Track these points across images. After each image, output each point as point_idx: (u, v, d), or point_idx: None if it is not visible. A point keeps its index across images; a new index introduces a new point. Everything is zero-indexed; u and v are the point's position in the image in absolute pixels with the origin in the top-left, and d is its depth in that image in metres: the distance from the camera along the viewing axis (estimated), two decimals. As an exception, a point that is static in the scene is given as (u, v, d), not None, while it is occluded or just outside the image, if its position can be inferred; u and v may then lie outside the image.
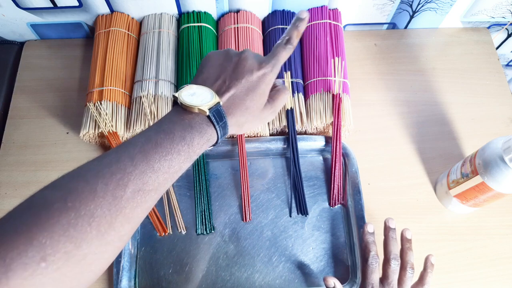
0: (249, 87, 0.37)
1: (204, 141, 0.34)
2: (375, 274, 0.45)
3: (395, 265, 0.45)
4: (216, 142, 0.36)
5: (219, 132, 0.35)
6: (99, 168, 0.29)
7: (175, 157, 0.32)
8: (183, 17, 0.66)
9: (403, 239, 0.48)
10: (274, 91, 0.41)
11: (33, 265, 0.23)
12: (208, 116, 0.34)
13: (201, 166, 0.57)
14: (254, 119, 0.39)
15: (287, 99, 0.42)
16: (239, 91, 0.37)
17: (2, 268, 0.23)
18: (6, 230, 0.25)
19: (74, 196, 0.27)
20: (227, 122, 0.36)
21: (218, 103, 0.35)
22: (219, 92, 0.36)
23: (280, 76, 0.61)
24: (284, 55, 0.39)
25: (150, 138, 0.32)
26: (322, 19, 0.65)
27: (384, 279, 0.45)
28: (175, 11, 0.66)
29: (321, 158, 0.61)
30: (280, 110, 0.59)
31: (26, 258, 0.23)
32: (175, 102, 0.36)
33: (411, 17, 0.69)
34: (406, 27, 0.73)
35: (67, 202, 0.27)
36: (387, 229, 0.48)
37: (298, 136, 0.59)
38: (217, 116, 0.35)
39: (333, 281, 0.46)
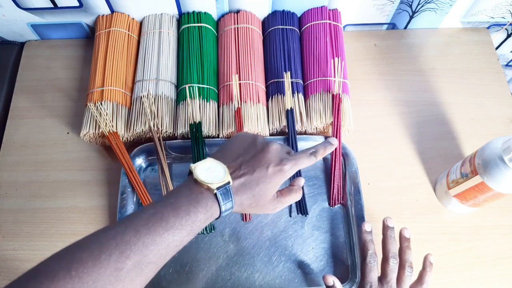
0: (261, 178, 0.39)
1: (207, 216, 0.36)
2: (374, 273, 0.45)
3: (393, 264, 0.45)
4: (218, 217, 0.38)
5: (222, 209, 0.37)
6: (104, 240, 0.30)
7: (178, 232, 0.33)
8: (183, 17, 0.66)
9: (401, 238, 0.48)
10: (287, 189, 0.43)
11: None
12: (215, 194, 0.36)
13: (201, 166, 0.57)
14: (258, 207, 0.40)
15: (296, 200, 0.44)
16: (250, 180, 0.38)
17: None
18: None
19: (77, 265, 0.28)
20: (233, 202, 0.37)
21: (228, 183, 0.37)
22: (232, 174, 0.38)
23: (280, 76, 0.61)
24: (306, 162, 0.42)
25: (156, 211, 0.33)
26: (322, 20, 0.65)
27: (383, 277, 0.45)
28: (175, 12, 0.67)
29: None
30: (280, 110, 0.59)
31: None
32: (190, 171, 0.37)
33: (411, 17, 0.70)
34: (405, 28, 0.73)
35: (71, 270, 0.28)
36: (385, 228, 0.48)
37: (298, 136, 0.59)
38: (224, 195, 0.36)
39: (332, 279, 0.47)
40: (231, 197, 0.37)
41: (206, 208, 0.36)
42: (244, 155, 0.40)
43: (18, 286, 0.27)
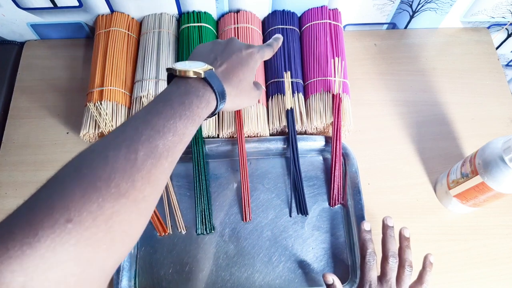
0: (240, 61, 0.42)
1: (204, 104, 0.37)
2: (373, 272, 0.45)
3: (393, 263, 0.45)
4: (217, 106, 0.38)
5: (217, 93, 0.38)
6: (106, 142, 0.31)
7: (178, 121, 0.34)
8: (183, 17, 0.66)
9: (401, 237, 0.48)
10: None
11: (59, 226, 0.25)
12: (204, 78, 0.37)
13: (201, 166, 0.57)
14: (245, 95, 0.43)
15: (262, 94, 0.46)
16: (231, 65, 0.41)
17: (31, 232, 0.24)
18: (31, 206, 0.27)
19: (87, 164, 0.29)
20: (224, 87, 0.39)
21: (211, 69, 0.38)
22: (212, 65, 0.40)
23: (280, 76, 0.61)
24: (267, 50, 0.46)
25: (150, 110, 0.34)
26: (322, 19, 0.65)
27: (382, 276, 0.45)
28: (175, 11, 0.67)
29: (321, 158, 0.61)
30: (280, 110, 0.59)
31: (52, 221, 0.25)
32: (169, 78, 0.39)
33: (411, 17, 0.70)
34: (406, 27, 0.73)
35: (82, 170, 0.28)
36: (385, 227, 0.48)
37: (298, 136, 0.59)
38: (213, 78, 0.38)
39: (332, 277, 0.47)
40: (220, 81, 0.38)
41: (199, 95, 0.36)
42: (215, 51, 0.42)
43: (36, 196, 0.27)
